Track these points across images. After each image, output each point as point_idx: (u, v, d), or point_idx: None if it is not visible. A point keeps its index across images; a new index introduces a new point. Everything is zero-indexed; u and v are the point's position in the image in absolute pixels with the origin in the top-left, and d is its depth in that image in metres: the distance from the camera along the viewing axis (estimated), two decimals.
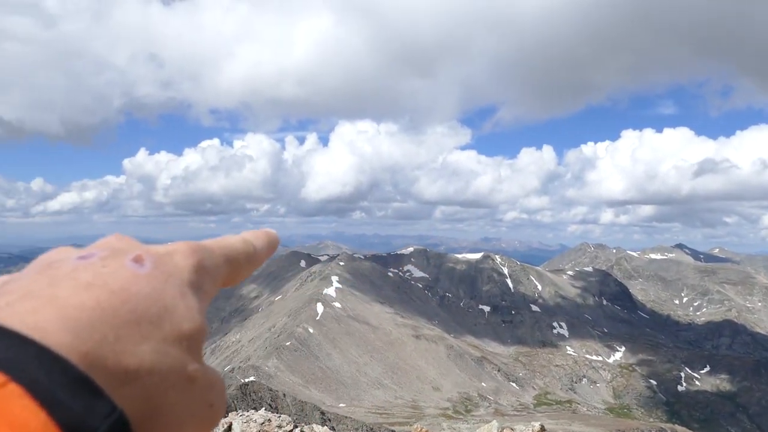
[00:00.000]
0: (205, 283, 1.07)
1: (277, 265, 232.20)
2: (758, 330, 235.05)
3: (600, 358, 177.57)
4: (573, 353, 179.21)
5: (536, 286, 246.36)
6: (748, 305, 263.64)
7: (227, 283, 1.11)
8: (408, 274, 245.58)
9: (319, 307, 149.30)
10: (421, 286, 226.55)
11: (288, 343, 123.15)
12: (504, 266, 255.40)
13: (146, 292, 0.98)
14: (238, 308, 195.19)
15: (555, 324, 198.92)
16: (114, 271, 1.00)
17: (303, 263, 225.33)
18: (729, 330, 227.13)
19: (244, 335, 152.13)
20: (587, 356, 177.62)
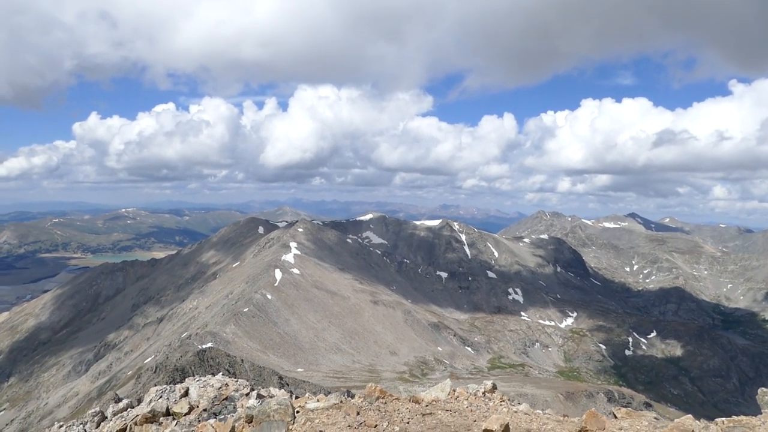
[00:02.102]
0: None
1: (236, 231, 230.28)
2: (703, 297, 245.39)
3: (552, 324, 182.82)
4: (527, 319, 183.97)
5: (493, 253, 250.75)
6: (695, 273, 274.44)
7: None
8: (367, 240, 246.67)
9: (278, 274, 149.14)
10: (379, 252, 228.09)
11: (246, 310, 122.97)
12: (462, 233, 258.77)
13: None
14: (195, 275, 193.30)
15: (510, 290, 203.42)
16: None
17: (261, 230, 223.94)
18: (676, 297, 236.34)
19: (202, 302, 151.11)
20: (540, 321, 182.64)
